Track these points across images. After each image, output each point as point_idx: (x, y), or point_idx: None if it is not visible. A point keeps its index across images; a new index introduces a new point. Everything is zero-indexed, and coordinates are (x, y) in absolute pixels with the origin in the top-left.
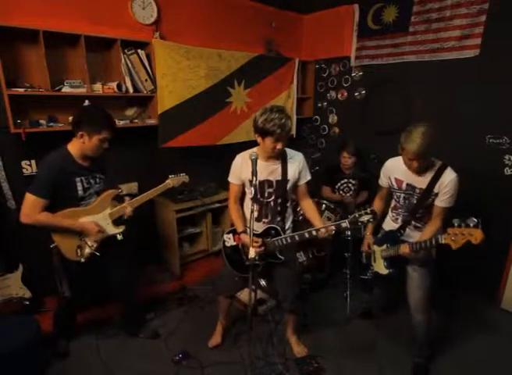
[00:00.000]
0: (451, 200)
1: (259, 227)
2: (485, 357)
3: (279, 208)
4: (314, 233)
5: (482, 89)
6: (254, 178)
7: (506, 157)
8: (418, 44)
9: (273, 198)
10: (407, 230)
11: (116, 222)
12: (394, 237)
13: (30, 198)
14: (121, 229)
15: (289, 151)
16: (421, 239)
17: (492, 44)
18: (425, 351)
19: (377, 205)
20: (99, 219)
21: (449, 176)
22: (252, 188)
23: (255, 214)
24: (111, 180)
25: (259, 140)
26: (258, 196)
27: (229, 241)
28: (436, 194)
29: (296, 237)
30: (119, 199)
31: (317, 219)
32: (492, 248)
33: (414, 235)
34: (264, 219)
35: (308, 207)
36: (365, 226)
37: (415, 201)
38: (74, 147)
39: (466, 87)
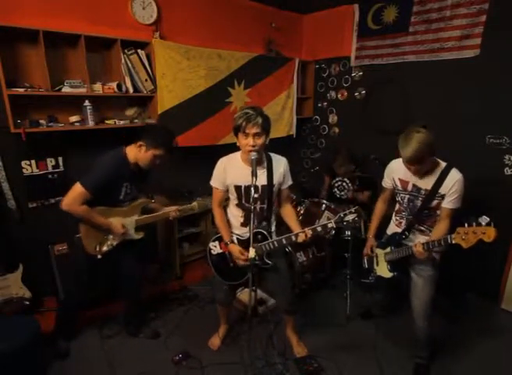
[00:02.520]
0: (458, 201)
1: (245, 233)
2: (485, 357)
3: (264, 213)
4: (298, 238)
5: (482, 89)
6: (254, 179)
7: (506, 157)
8: (418, 44)
9: (259, 203)
10: (411, 233)
11: (138, 228)
12: (398, 240)
13: (78, 189)
14: (140, 235)
15: (273, 155)
16: (432, 239)
17: (492, 44)
18: (426, 351)
19: (379, 207)
20: (126, 223)
21: (455, 177)
22: (252, 189)
23: (241, 220)
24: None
25: (237, 141)
26: (244, 201)
27: (216, 249)
28: (442, 196)
29: (284, 241)
30: None
31: (296, 225)
32: (492, 248)
33: (416, 239)
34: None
35: (288, 212)
36: (353, 226)
37: (420, 203)
38: (131, 152)
39: (466, 87)
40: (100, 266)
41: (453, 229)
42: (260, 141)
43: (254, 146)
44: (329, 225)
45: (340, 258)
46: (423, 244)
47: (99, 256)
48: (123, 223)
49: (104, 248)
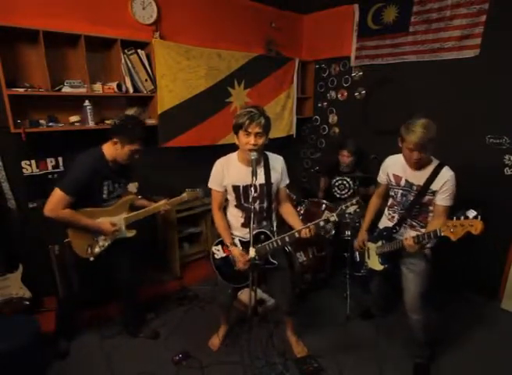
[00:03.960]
0: (451, 198)
1: (247, 234)
2: (485, 357)
3: (264, 214)
4: (301, 234)
5: (482, 89)
6: (254, 178)
7: (506, 157)
8: (418, 44)
9: (258, 202)
10: (402, 228)
11: (129, 226)
12: (389, 234)
13: (58, 194)
14: (132, 233)
15: (270, 155)
16: (422, 232)
17: (492, 44)
18: (425, 351)
19: (374, 202)
20: (115, 221)
21: (446, 175)
22: (252, 188)
23: (241, 220)
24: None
25: (236, 140)
26: (243, 202)
27: (219, 253)
28: (433, 192)
29: (287, 238)
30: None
31: (297, 222)
32: (492, 248)
33: (407, 234)
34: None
35: (288, 211)
36: (356, 218)
37: (412, 198)
38: (108, 150)
39: (466, 87)
40: (94, 268)
41: None
42: (261, 140)
43: (255, 145)
44: (331, 218)
45: (340, 258)
46: (413, 237)
47: (92, 258)
48: (112, 221)
49: (97, 250)
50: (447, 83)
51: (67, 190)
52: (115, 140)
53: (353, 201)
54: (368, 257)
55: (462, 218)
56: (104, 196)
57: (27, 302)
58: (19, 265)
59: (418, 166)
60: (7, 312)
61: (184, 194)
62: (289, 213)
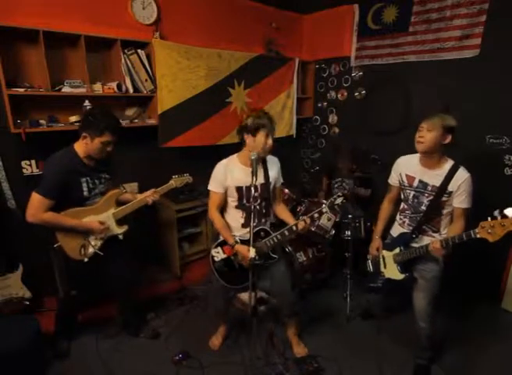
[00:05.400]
0: (469, 200)
1: (246, 234)
2: (485, 357)
3: (264, 211)
4: (298, 226)
5: (482, 89)
6: (254, 178)
7: (506, 157)
8: (418, 44)
9: (258, 201)
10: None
11: (119, 222)
12: (406, 241)
13: (36, 198)
14: (124, 229)
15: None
16: (450, 236)
17: (492, 44)
18: (427, 352)
19: (385, 208)
20: (103, 218)
21: (463, 176)
22: (252, 188)
23: (241, 220)
24: (114, 180)
25: (249, 140)
26: (244, 201)
27: (219, 255)
28: (449, 193)
29: (286, 232)
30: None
31: (292, 219)
32: (492, 248)
33: (422, 241)
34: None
35: (283, 208)
36: (340, 209)
37: (425, 201)
38: (80, 147)
39: (466, 87)
40: (90, 269)
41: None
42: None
43: (270, 146)
44: (323, 210)
45: (340, 258)
46: (440, 241)
47: (86, 259)
48: (99, 219)
49: (90, 250)
50: (447, 84)
51: (43, 192)
52: (83, 134)
53: (340, 193)
54: (384, 266)
55: (499, 218)
56: (85, 193)
57: (27, 302)
58: (19, 265)
59: (420, 148)
60: (7, 312)
61: (171, 181)
62: (283, 211)
